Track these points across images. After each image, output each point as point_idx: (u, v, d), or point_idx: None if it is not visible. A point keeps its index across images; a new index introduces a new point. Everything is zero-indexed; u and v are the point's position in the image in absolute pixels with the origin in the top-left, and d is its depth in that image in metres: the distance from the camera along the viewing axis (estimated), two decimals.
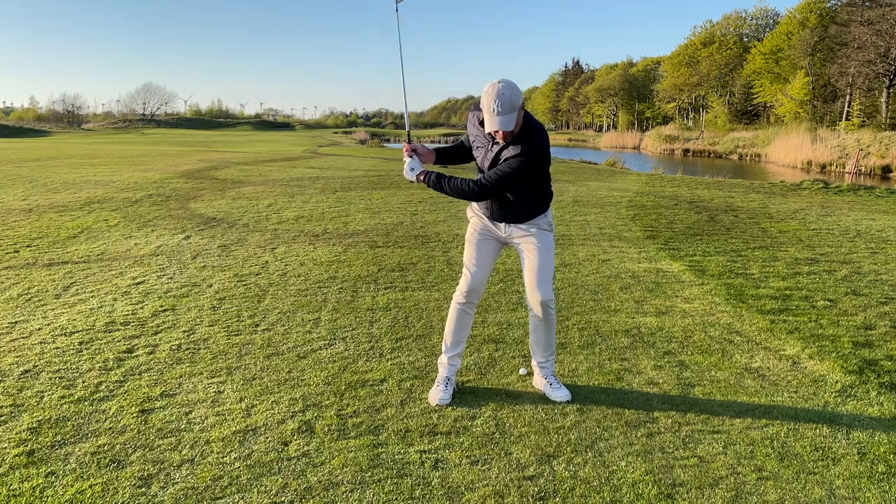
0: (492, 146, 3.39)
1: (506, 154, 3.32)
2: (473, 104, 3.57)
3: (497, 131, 3.24)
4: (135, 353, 4.19)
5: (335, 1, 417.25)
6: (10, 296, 5.46)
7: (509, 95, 3.13)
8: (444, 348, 3.68)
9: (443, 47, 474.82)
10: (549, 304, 3.52)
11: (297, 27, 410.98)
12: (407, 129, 3.91)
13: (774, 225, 9.54)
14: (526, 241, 3.56)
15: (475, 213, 3.66)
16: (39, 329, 4.62)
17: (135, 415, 3.36)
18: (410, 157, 3.53)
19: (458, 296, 3.62)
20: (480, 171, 3.49)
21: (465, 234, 3.72)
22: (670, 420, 3.38)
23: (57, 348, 4.26)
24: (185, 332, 4.60)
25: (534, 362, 3.75)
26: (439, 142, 79.86)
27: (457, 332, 3.65)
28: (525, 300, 3.68)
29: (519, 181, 3.33)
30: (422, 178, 3.48)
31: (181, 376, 3.85)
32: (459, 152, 3.73)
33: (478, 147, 3.50)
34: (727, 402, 3.61)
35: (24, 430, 3.18)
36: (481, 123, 3.45)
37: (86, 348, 4.27)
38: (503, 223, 3.56)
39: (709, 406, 3.56)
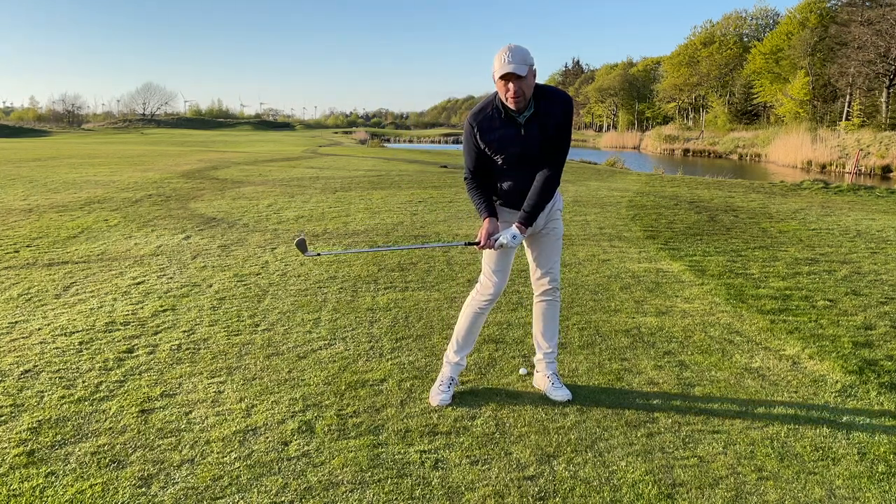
0: (524, 124, 3.26)
1: (553, 117, 3.25)
2: (466, 122, 3.40)
3: (509, 87, 3.12)
4: (135, 353, 4.19)
5: (335, 1, 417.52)
6: (10, 296, 5.47)
7: (521, 51, 3.13)
8: (455, 347, 3.66)
9: (443, 47, 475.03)
10: (559, 287, 3.69)
11: (296, 27, 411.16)
12: (461, 244, 3.97)
13: (774, 225, 9.54)
14: (547, 227, 3.57)
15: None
16: (39, 329, 4.62)
17: (135, 415, 3.36)
18: (496, 236, 3.39)
19: (481, 300, 3.60)
20: (523, 161, 3.34)
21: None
22: (670, 420, 3.38)
23: (57, 348, 4.26)
24: (185, 332, 4.60)
25: (539, 356, 3.73)
26: (439, 141, 79.82)
27: (471, 332, 3.65)
28: (532, 289, 3.69)
29: (570, 137, 3.37)
30: (523, 228, 3.38)
31: (181, 376, 3.85)
32: (488, 188, 3.51)
33: (507, 145, 3.31)
34: (727, 402, 3.61)
35: (24, 430, 3.18)
36: (482, 129, 3.30)
37: (86, 348, 4.27)
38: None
39: (709, 406, 3.56)
